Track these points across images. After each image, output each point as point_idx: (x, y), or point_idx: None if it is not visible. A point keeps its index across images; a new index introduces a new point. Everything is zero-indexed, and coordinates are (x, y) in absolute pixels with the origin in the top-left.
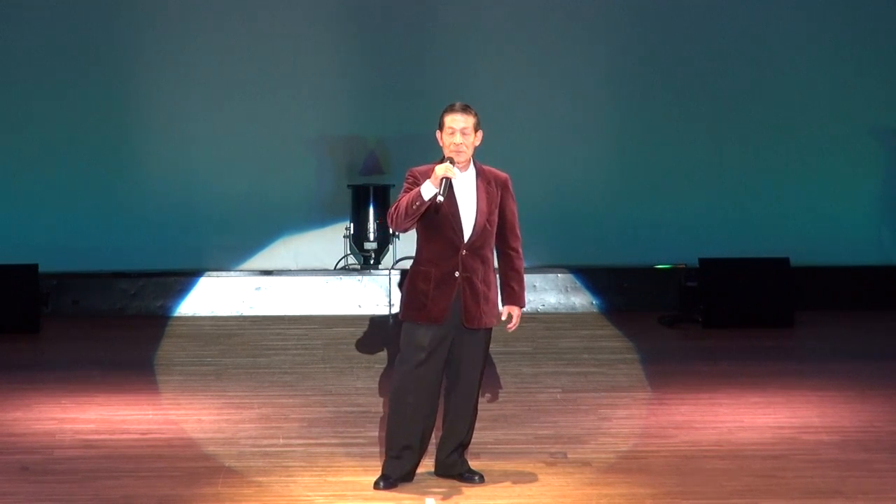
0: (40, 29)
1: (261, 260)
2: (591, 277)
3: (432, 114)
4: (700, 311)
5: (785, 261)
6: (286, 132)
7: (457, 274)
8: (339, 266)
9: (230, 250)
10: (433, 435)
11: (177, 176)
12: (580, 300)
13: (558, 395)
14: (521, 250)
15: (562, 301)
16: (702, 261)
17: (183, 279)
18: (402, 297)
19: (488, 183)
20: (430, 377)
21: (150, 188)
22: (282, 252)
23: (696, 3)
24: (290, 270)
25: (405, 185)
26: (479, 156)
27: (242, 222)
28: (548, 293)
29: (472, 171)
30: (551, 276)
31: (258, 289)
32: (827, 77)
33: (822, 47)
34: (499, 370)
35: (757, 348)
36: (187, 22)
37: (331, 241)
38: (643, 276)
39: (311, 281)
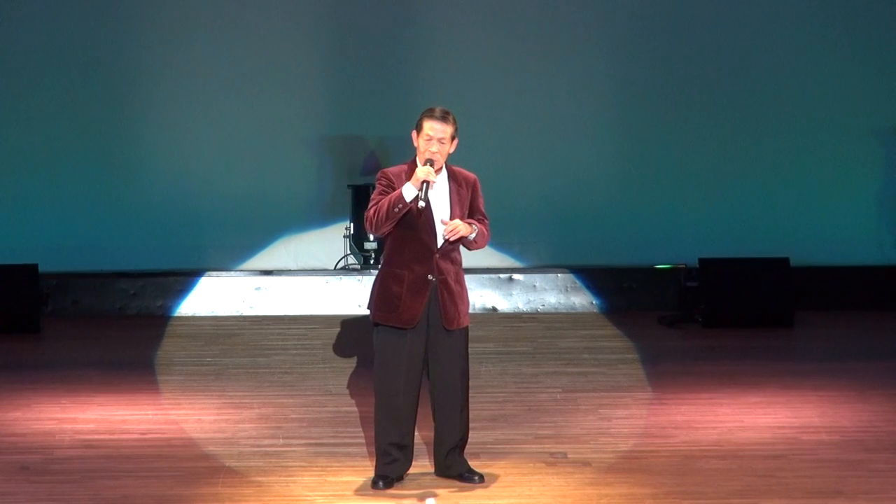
0: (40, 30)
1: (261, 260)
2: (591, 277)
3: None
4: (700, 311)
5: (785, 261)
6: (286, 132)
7: (430, 277)
8: (339, 266)
9: (230, 250)
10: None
11: (177, 176)
12: (580, 300)
13: (558, 395)
14: (487, 221)
15: (562, 301)
16: (702, 261)
17: (183, 279)
18: (371, 298)
19: (459, 185)
20: (415, 378)
21: (150, 188)
22: (282, 252)
23: (698, 5)
24: (290, 270)
25: (378, 186)
26: (482, 153)
27: (242, 222)
28: (548, 293)
29: (444, 174)
30: (551, 276)
31: (258, 289)
32: (827, 77)
33: (823, 47)
34: (499, 370)
35: (757, 348)
36: (187, 22)
37: (331, 241)
38: (643, 276)
39: (311, 281)
